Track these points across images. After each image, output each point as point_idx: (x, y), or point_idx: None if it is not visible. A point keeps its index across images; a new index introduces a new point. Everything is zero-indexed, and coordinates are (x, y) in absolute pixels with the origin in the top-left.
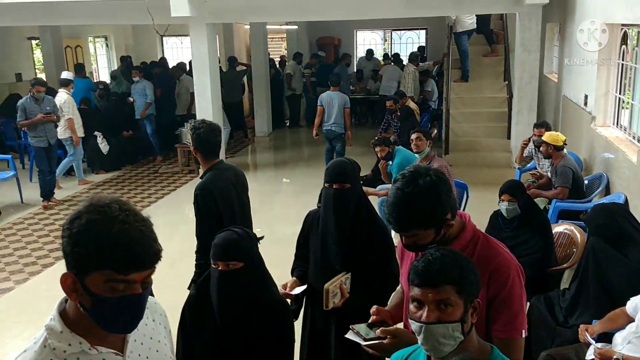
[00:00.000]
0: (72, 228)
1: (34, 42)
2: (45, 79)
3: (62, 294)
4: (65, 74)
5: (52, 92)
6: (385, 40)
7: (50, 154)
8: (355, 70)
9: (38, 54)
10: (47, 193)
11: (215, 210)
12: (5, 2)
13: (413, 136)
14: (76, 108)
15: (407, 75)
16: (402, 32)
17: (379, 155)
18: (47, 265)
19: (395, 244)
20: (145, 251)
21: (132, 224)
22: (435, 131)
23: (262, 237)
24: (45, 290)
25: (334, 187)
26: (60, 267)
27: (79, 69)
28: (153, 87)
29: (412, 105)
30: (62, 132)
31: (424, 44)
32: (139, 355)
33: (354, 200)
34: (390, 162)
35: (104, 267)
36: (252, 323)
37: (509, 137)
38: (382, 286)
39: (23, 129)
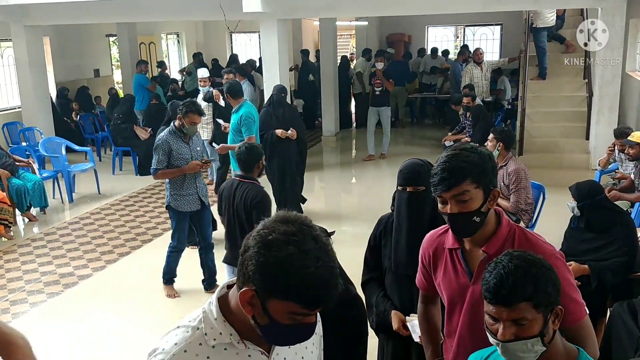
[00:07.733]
0: (268, 257)
1: (111, 39)
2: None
3: (138, 282)
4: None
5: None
6: (458, 37)
7: (202, 221)
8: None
9: (115, 51)
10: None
11: None
12: (87, 0)
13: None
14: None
15: (465, 73)
16: (476, 27)
17: None
18: (124, 254)
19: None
20: (333, 291)
21: (324, 261)
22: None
23: (332, 232)
24: (121, 279)
25: (408, 190)
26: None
27: (140, 63)
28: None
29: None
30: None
31: (499, 40)
32: (284, 358)
33: (430, 204)
34: None
35: (292, 300)
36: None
37: (587, 138)
38: None
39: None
